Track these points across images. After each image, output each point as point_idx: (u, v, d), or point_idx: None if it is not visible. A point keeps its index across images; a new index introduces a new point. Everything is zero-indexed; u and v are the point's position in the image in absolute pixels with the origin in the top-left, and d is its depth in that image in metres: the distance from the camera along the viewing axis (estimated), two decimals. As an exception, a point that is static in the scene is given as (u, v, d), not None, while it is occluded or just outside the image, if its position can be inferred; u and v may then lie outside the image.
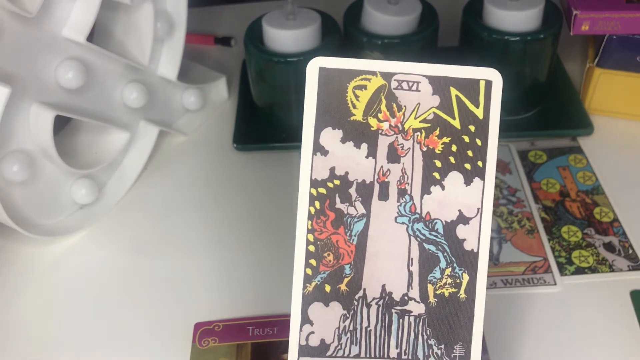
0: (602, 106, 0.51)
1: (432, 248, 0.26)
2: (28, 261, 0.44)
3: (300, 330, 0.26)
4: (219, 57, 0.61)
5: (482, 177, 0.26)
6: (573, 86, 0.53)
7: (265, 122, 0.51)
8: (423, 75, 0.26)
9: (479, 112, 0.26)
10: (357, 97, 0.26)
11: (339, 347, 0.26)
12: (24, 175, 0.41)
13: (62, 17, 0.41)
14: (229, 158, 0.51)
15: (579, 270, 0.41)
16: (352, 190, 0.26)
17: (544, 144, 0.50)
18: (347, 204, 0.26)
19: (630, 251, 0.42)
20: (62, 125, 0.48)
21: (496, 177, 0.47)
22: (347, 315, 0.26)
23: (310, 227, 0.26)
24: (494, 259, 0.42)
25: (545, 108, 0.52)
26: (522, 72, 0.48)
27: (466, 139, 0.26)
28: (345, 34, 0.48)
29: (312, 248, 0.26)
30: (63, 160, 0.42)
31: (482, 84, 0.26)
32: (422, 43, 0.47)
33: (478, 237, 0.26)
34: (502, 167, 0.48)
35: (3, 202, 0.40)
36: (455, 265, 0.26)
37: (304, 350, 0.26)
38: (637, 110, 0.51)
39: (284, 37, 0.45)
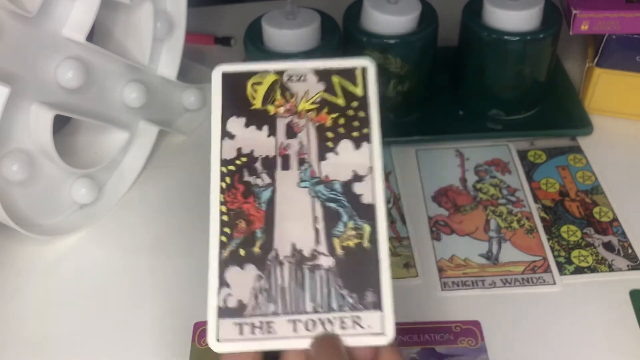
0: (601, 106, 0.52)
1: (334, 205, 0.30)
2: (28, 261, 0.44)
3: (219, 293, 0.28)
4: (219, 57, 0.61)
5: (369, 141, 0.31)
6: (573, 86, 0.53)
7: (265, 121, 0.51)
8: (308, 69, 0.32)
9: (359, 91, 0.31)
10: (255, 90, 0.32)
11: (256, 305, 0.28)
12: (24, 175, 0.41)
13: (62, 16, 0.41)
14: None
15: (579, 270, 0.41)
16: (258, 165, 0.31)
17: (544, 144, 0.50)
18: (254, 177, 0.30)
19: (630, 251, 0.42)
20: (61, 124, 0.48)
21: (495, 177, 0.47)
22: (262, 275, 0.28)
23: (222, 200, 0.30)
24: (493, 259, 0.42)
25: (545, 108, 0.52)
26: (522, 71, 0.48)
27: (351, 112, 0.31)
28: (345, 34, 0.48)
29: (225, 217, 0.30)
30: (63, 159, 0.43)
31: (358, 71, 0.32)
32: (421, 43, 0.47)
33: (373, 191, 0.30)
34: (502, 166, 0.48)
35: (3, 202, 0.40)
36: (356, 218, 0.29)
37: (222, 312, 0.28)
38: (636, 109, 0.51)
39: (283, 37, 0.45)
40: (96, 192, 0.47)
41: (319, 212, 0.30)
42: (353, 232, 0.29)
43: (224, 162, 0.31)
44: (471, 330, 0.38)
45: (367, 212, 0.29)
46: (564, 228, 0.44)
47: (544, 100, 0.52)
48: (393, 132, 0.51)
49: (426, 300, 0.40)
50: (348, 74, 0.32)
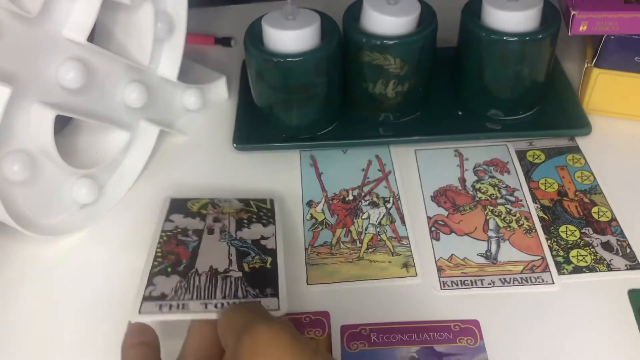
0: (600, 106, 0.52)
1: (245, 249, 0.40)
2: (29, 260, 0.44)
3: (146, 289, 0.37)
4: (219, 58, 0.62)
5: (274, 224, 0.43)
6: (571, 86, 0.54)
7: (265, 122, 0.51)
8: (233, 198, 0.45)
9: (268, 205, 0.45)
10: (192, 205, 0.44)
11: (175, 295, 0.36)
12: (25, 175, 0.41)
13: (62, 17, 0.41)
14: (228, 158, 0.51)
15: (577, 270, 0.41)
16: (189, 232, 0.42)
17: (543, 144, 0.50)
18: (186, 237, 0.41)
19: (628, 250, 0.42)
20: (62, 125, 0.48)
21: (494, 177, 0.47)
22: (183, 280, 0.37)
23: (158, 246, 0.40)
24: (492, 258, 0.42)
25: (544, 108, 0.52)
26: (521, 72, 0.48)
27: (261, 214, 0.44)
28: (344, 34, 0.48)
29: (159, 253, 0.39)
30: (64, 159, 0.43)
31: (267, 200, 0.46)
32: (421, 43, 0.47)
33: (276, 244, 0.41)
34: (501, 167, 0.48)
35: (4, 202, 0.40)
36: (262, 255, 0.40)
37: (147, 299, 0.36)
38: (635, 110, 0.51)
39: (283, 38, 0.45)
40: (97, 192, 0.47)
41: (233, 251, 0.40)
42: (258, 260, 0.39)
43: (163, 231, 0.42)
44: (470, 329, 0.38)
45: (270, 253, 0.40)
46: (562, 228, 0.44)
47: (542, 101, 0.52)
48: (392, 132, 0.51)
49: (425, 300, 0.40)
50: (261, 200, 0.45)
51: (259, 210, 0.44)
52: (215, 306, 0.36)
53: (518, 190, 0.47)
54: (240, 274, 0.38)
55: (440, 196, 0.47)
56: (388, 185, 0.48)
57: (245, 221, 0.43)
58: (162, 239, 0.41)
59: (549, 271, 0.41)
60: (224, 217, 0.43)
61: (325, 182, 0.48)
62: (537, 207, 0.45)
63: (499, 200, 0.46)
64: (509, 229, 0.44)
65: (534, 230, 0.44)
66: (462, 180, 0.48)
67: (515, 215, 0.45)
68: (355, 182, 0.48)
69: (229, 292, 0.37)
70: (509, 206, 0.46)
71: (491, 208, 0.46)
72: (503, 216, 0.45)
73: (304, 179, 0.49)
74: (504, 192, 0.47)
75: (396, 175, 0.49)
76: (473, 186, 0.47)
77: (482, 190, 0.47)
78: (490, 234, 0.44)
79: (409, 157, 0.50)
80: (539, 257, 0.42)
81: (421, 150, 0.50)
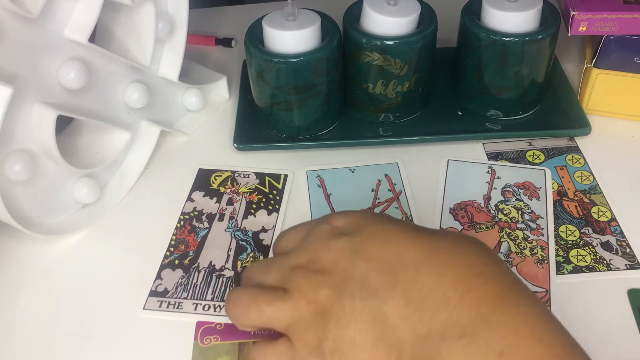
0: (599, 106, 0.52)
1: (244, 243, 0.44)
2: (30, 260, 0.44)
3: (154, 282, 0.42)
4: (220, 58, 0.62)
5: (278, 212, 0.46)
6: (571, 86, 0.54)
7: (265, 122, 0.51)
8: (252, 172, 0.49)
9: (279, 186, 0.48)
10: (215, 180, 0.49)
11: (175, 292, 0.41)
12: (26, 175, 0.41)
13: (64, 17, 0.41)
14: (229, 158, 0.51)
15: (577, 269, 0.41)
16: (204, 217, 0.46)
17: (542, 144, 0.50)
18: (199, 223, 0.46)
19: (628, 250, 0.42)
20: (64, 124, 0.48)
21: (521, 200, 0.45)
22: (185, 276, 0.42)
23: (174, 232, 0.45)
24: None
25: (543, 108, 0.52)
26: (520, 72, 0.48)
27: (271, 197, 0.47)
28: (344, 35, 0.48)
29: (173, 242, 0.45)
30: (65, 159, 0.43)
31: (282, 175, 0.49)
32: (420, 44, 0.47)
33: (272, 238, 0.44)
34: (532, 191, 0.46)
35: (5, 201, 0.40)
36: (256, 252, 0.44)
37: (152, 293, 0.41)
38: (634, 110, 0.51)
39: (284, 38, 0.46)
40: (98, 191, 0.47)
41: (233, 245, 0.44)
42: (251, 258, 0.43)
43: (183, 213, 0.47)
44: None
45: (264, 249, 0.44)
46: (562, 228, 0.44)
47: (542, 101, 0.52)
48: (392, 132, 0.51)
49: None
50: (275, 176, 0.49)
51: (270, 191, 0.47)
52: (203, 308, 0.40)
53: (542, 218, 0.45)
54: (232, 273, 0.42)
55: (460, 210, 0.45)
56: (400, 206, 0.46)
57: (253, 207, 0.46)
58: (180, 223, 0.45)
59: (550, 305, 0.39)
60: (237, 199, 0.47)
61: (334, 204, 0.46)
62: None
63: (519, 225, 0.44)
64: (520, 255, 0.42)
65: (545, 262, 0.42)
66: (487, 198, 0.46)
67: (531, 243, 0.43)
68: (365, 203, 0.46)
69: (218, 293, 0.41)
70: (527, 232, 0.44)
71: (508, 231, 0.44)
72: (518, 241, 0.43)
73: (312, 201, 0.47)
74: (526, 217, 0.45)
75: (407, 195, 0.47)
76: (496, 206, 0.45)
77: (505, 212, 0.45)
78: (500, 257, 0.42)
79: (439, 165, 0.49)
80: (543, 290, 0.40)
81: (454, 161, 0.49)
